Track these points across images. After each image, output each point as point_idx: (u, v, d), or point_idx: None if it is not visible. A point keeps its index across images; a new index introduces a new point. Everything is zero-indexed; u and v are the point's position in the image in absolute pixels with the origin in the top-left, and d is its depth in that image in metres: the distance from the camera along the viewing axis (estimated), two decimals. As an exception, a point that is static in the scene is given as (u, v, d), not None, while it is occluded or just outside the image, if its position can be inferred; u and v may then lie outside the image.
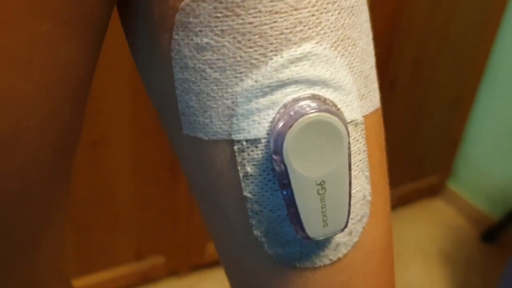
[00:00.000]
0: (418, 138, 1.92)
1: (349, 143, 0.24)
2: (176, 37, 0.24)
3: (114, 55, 1.01)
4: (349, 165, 0.25)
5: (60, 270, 0.40)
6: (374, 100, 0.27)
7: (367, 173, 0.27)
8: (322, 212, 0.25)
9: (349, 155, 0.24)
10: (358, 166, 0.27)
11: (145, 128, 1.32)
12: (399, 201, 2.04)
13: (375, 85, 0.28)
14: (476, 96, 1.93)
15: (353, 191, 0.27)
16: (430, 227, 2.01)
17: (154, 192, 1.46)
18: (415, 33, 1.63)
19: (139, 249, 1.56)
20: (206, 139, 0.26)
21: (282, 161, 0.23)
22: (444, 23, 1.66)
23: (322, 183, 0.24)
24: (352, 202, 0.27)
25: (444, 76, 1.80)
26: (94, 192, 1.39)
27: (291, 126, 0.23)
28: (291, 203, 0.24)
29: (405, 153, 1.92)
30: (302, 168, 0.23)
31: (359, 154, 0.27)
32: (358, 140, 0.26)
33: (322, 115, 0.23)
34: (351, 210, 0.27)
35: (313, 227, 0.25)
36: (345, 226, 0.26)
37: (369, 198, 0.28)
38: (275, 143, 0.24)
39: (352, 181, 0.26)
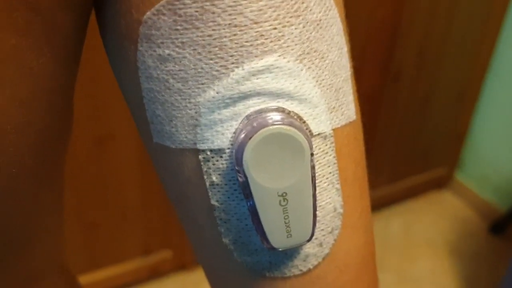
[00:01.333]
0: (424, 130, 1.91)
1: (312, 155, 0.24)
2: (141, 48, 0.25)
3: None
4: (313, 177, 0.25)
5: (60, 265, 0.41)
6: (347, 113, 0.28)
7: (338, 186, 0.28)
8: (286, 223, 0.25)
9: (313, 167, 0.25)
10: (327, 178, 0.27)
11: (149, 124, 1.32)
12: (406, 194, 2.03)
13: (350, 98, 0.28)
14: (482, 87, 1.91)
15: (322, 203, 0.27)
16: (438, 219, 2.00)
17: (160, 187, 1.46)
18: (419, 25, 1.62)
19: (146, 244, 1.58)
20: (173, 147, 0.26)
21: (243, 172, 0.24)
22: (448, 15, 1.65)
23: (284, 194, 0.24)
24: (321, 213, 0.27)
25: (449, 68, 1.79)
26: (101, 189, 1.40)
27: (251, 137, 0.23)
28: (254, 213, 0.25)
29: (411, 145, 1.91)
30: (262, 179, 0.24)
31: (329, 166, 0.27)
32: (327, 152, 0.27)
33: (283, 128, 0.23)
34: (321, 222, 0.27)
35: (277, 238, 0.25)
36: (311, 237, 0.26)
37: (340, 210, 0.28)
38: (237, 154, 0.24)
39: (322, 193, 0.27)
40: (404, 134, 1.86)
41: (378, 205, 1.96)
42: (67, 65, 0.27)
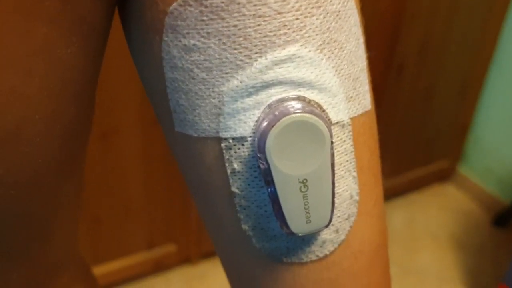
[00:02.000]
0: (427, 123, 1.91)
1: (332, 143, 0.25)
2: (166, 38, 0.25)
3: (123, 48, 1.02)
4: (332, 165, 0.25)
5: (76, 256, 0.42)
6: (363, 103, 0.28)
7: (355, 174, 0.28)
8: (305, 209, 0.26)
9: (332, 155, 0.25)
10: (344, 166, 0.28)
11: (154, 119, 1.33)
12: (409, 186, 2.04)
13: (366, 88, 0.28)
14: (485, 79, 1.92)
15: (339, 190, 0.28)
16: (441, 212, 2.01)
17: (164, 180, 1.47)
18: (422, 17, 1.62)
19: (151, 237, 1.58)
20: (196, 136, 0.27)
21: (265, 159, 0.24)
22: (451, 7, 1.65)
23: (305, 181, 0.25)
24: (338, 201, 0.28)
25: (452, 60, 1.79)
26: (105, 183, 1.40)
27: (274, 125, 0.24)
28: (275, 199, 0.25)
29: (414, 137, 1.91)
30: (284, 166, 0.24)
31: (346, 154, 0.27)
32: (345, 141, 0.27)
33: (305, 116, 0.24)
34: (338, 209, 0.28)
35: (296, 223, 0.26)
36: (329, 223, 0.27)
37: (356, 198, 0.29)
38: (259, 142, 0.25)
39: (339, 180, 0.27)
40: (407, 126, 1.87)
41: (381, 197, 1.96)
42: (94, 57, 0.27)
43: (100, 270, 1.53)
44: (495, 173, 1.97)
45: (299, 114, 0.24)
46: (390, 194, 1.99)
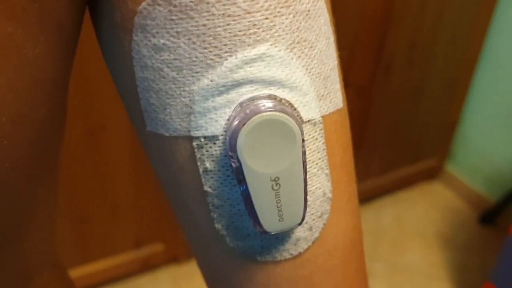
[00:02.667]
0: (415, 121, 1.92)
1: (303, 141, 0.25)
2: (136, 38, 0.25)
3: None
4: (304, 162, 0.25)
5: (52, 259, 0.41)
6: (335, 101, 0.28)
7: (327, 171, 0.28)
8: (278, 207, 0.26)
9: (304, 153, 0.25)
10: (317, 164, 0.28)
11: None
12: (397, 184, 2.05)
13: (337, 86, 0.28)
14: (473, 78, 1.93)
15: (312, 188, 0.28)
16: (429, 210, 2.02)
17: (152, 179, 1.47)
18: (410, 16, 1.62)
19: (138, 236, 1.58)
20: (167, 135, 0.27)
21: (237, 158, 0.24)
22: (439, 5, 1.66)
23: (277, 179, 0.25)
24: (311, 198, 0.28)
25: (440, 59, 1.80)
26: (92, 181, 1.40)
27: (244, 123, 0.24)
28: (247, 198, 0.25)
29: (402, 136, 1.92)
30: (256, 164, 0.24)
31: (318, 152, 0.28)
32: (316, 139, 0.27)
33: (275, 114, 0.24)
34: (311, 206, 0.28)
35: (269, 221, 0.26)
36: (302, 221, 0.27)
37: (329, 195, 0.29)
38: (230, 140, 0.25)
39: (312, 178, 0.28)
40: (395, 125, 1.87)
41: (370, 196, 1.97)
42: (63, 56, 0.27)
43: (87, 269, 1.52)
44: (482, 172, 1.99)
45: (269, 113, 0.24)
46: (379, 192, 2.00)
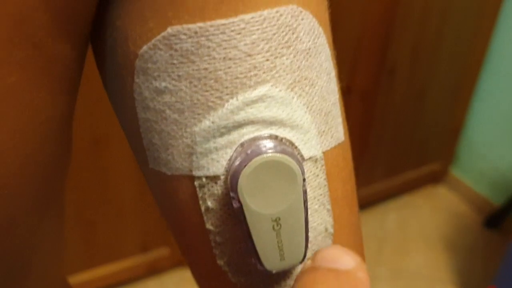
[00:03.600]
0: (420, 125, 1.91)
1: (304, 180, 0.25)
2: (137, 80, 0.25)
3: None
4: (305, 201, 0.26)
5: (60, 284, 0.42)
6: (336, 135, 0.28)
7: (329, 207, 0.28)
8: (279, 246, 0.26)
9: (305, 192, 0.25)
10: (318, 200, 0.28)
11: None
12: (402, 188, 2.04)
13: (339, 120, 0.29)
14: (477, 81, 1.92)
15: (314, 224, 0.28)
16: (433, 214, 2.01)
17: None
18: (413, 20, 1.62)
19: (144, 241, 1.58)
20: (169, 174, 0.27)
21: (238, 198, 0.25)
22: (443, 8, 1.65)
23: (278, 219, 0.25)
24: (313, 234, 0.28)
25: (444, 62, 1.79)
26: (98, 188, 1.40)
27: (246, 165, 0.24)
28: (248, 237, 0.26)
29: (406, 140, 1.91)
30: (256, 205, 0.25)
31: (320, 188, 0.28)
32: (318, 175, 0.28)
33: (276, 155, 0.24)
34: (312, 242, 0.28)
35: (270, 261, 0.26)
36: (303, 259, 0.27)
37: (331, 230, 0.29)
38: (232, 181, 0.25)
39: (313, 214, 0.28)
40: (399, 128, 1.87)
41: (374, 200, 1.96)
42: (67, 95, 0.27)
43: (93, 274, 1.53)
44: (487, 175, 1.98)
45: (270, 154, 0.24)
46: (383, 196, 1.99)
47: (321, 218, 0.28)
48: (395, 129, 1.86)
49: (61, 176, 0.32)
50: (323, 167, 0.28)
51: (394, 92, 1.75)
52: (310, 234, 0.28)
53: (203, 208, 0.27)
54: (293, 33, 0.25)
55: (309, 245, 0.28)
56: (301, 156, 0.27)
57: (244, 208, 0.25)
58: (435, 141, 2.00)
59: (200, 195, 0.27)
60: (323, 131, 0.27)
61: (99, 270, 1.54)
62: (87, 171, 1.34)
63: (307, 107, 0.26)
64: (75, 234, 1.44)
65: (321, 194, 0.28)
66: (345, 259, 0.24)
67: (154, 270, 1.64)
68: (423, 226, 1.96)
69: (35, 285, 0.36)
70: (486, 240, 1.91)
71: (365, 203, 1.94)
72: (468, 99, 1.95)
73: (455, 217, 1.99)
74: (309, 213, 0.28)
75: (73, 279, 1.48)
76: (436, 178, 2.12)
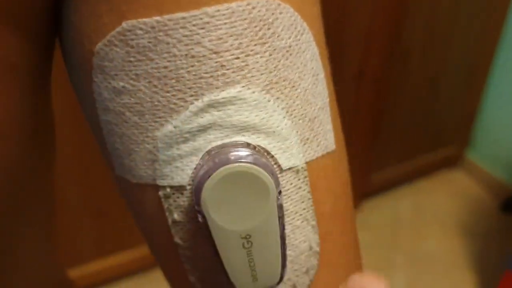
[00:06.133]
0: (434, 109, 1.89)
1: (280, 193, 0.23)
2: (96, 80, 0.23)
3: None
4: (281, 218, 0.23)
5: (54, 280, 0.40)
6: (324, 143, 0.26)
7: (314, 222, 0.26)
8: (250, 266, 0.24)
9: (280, 206, 0.23)
10: (301, 215, 0.25)
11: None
12: (416, 173, 2.02)
13: (328, 127, 0.26)
14: (492, 65, 1.89)
15: (295, 242, 0.25)
16: (449, 198, 1.99)
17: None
18: (426, 4, 1.59)
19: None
20: (134, 182, 0.25)
21: (202, 212, 0.22)
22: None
23: (248, 236, 0.23)
24: (295, 253, 0.25)
25: (458, 45, 1.76)
26: (108, 177, 1.40)
27: (210, 175, 0.22)
28: (217, 254, 0.23)
29: (421, 124, 1.89)
30: (222, 220, 0.22)
31: (302, 202, 0.25)
32: (300, 187, 0.25)
33: (245, 166, 0.22)
34: (295, 262, 0.26)
35: (241, 281, 0.24)
36: (280, 280, 0.25)
37: (317, 249, 0.26)
38: (196, 193, 0.22)
39: (294, 231, 0.25)
40: (414, 113, 1.85)
41: (388, 185, 1.95)
42: (21, 96, 0.25)
43: (103, 263, 1.53)
44: (503, 159, 1.95)
45: (238, 164, 0.22)
46: (397, 181, 1.98)
47: (304, 235, 0.26)
48: (409, 114, 1.83)
49: (35, 176, 0.30)
50: (306, 178, 0.25)
51: (408, 76, 1.73)
52: (291, 252, 0.25)
53: (170, 221, 0.25)
54: (268, 28, 0.22)
55: (290, 264, 0.25)
56: (279, 166, 0.24)
57: (209, 223, 0.22)
58: (449, 125, 1.98)
59: (165, 206, 0.24)
60: (307, 139, 0.25)
61: (109, 259, 1.55)
62: (97, 161, 1.33)
63: (287, 112, 0.24)
64: (85, 224, 1.44)
65: (304, 209, 0.25)
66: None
67: (165, 259, 1.64)
68: (439, 211, 1.94)
69: (23, 280, 0.34)
70: (502, 224, 1.89)
71: (379, 189, 1.93)
72: (483, 82, 1.92)
73: (470, 201, 1.97)
74: (289, 229, 0.25)
75: (83, 269, 1.49)
76: (451, 162, 2.09)
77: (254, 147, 0.23)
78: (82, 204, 1.40)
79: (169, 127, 0.23)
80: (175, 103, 0.22)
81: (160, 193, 0.24)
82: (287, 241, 0.25)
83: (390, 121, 1.81)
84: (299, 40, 0.23)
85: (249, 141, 0.23)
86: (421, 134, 1.93)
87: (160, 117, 0.23)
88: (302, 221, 0.25)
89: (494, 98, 1.95)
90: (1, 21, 0.22)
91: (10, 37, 0.23)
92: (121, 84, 0.23)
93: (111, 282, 1.57)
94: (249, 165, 0.22)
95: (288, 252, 0.25)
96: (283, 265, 0.24)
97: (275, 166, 0.24)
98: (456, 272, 1.72)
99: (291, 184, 0.24)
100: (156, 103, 0.22)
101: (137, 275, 1.62)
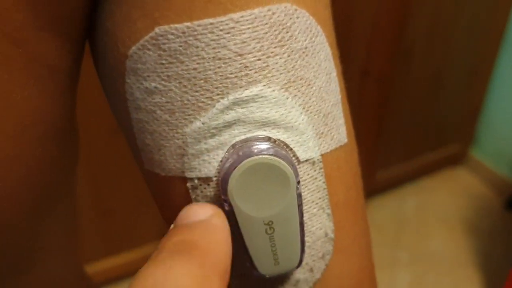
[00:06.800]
0: (437, 107, 1.89)
1: (298, 183, 0.25)
2: (128, 81, 0.25)
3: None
4: (299, 205, 0.25)
5: (75, 278, 0.42)
6: (337, 137, 0.27)
7: (329, 211, 0.28)
8: (273, 250, 0.25)
9: (299, 195, 0.25)
10: (317, 203, 0.27)
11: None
12: (420, 171, 2.03)
13: (340, 121, 0.28)
14: (495, 61, 1.89)
15: (312, 229, 0.27)
16: (453, 196, 2.00)
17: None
18: (429, 4, 1.60)
19: (161, 229, 1.59)
20: (163, 175, 0.27)
21: (229, 201, 0.24)
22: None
23: (270, 223, 0.25)
24: (312, 239, 0.27)
25: (461, 42, 1.77)
26: (116, 176, 1.41)
27: (236, 167, 0.24)
28: (241, 240, 0.25)
29: (424, 122, 1.90)
30: (247, 208, 0.24)
31: (319, 192, 0.27)
32: (316, 178, 0.27)
33: (267, 157, 0.23)
34: (312, 247, 0.27)
35: (264, 265, 0.26)
36: (299, 264, 0.26)
37: (331, 235, 0.28)
38: (222, 183, 0.24)
39: (312, 218, 0.27)
40: (417, 111, 1.85)
41: (392, 183, 1.96)
42: (60, 96, 0.27)
43: (111, 262, 1.55)
44: (507, 156, 1.96)
45: (261, 156, 0.23)
46: (401, 179, 1.99)
47: (320, 222, 0.27)
48: (412, 111, 1.84)
49: (66, 175, 0.32)
50: (322, 170, 0.27)
51: (411, 73, 1.73)
52: (308, 238, 0.27)
53: None
54: (287, 32, 0.24)
55: (308, 250, 0.27)
56: (297, 158, 0.26)
57: (235, 211, 0.24)
58: (453, 122, 1.98)
59: (193, 196, 0.26)
60: (322, 133, 0.27)
61: (116, 258, 1.56)
62: (105, 159, 1.35)
63: (303, 108, 0.26)
64: (92, 223, 1.45)
65: (320, 198, 0.27)
66: (199, 212, 0.24)
67: (172, 257, 1.65)
68: (443, 209, 1.95)
69: (47, 276, 0.36)
70: (506, 222, 1.89)
71: (384, 187, 1.93)
72: (486, 79, 1.93)
73: (475, 199, 1.98)
74: (307, 217, 0.27)
75: (91, 268, 1.50)
76: (455, 160, 2.10)
77: (274, 141, 0.25)
78: (89, 203, 1.41)
79: (197, 124, 0.25)
80: (203, 102, 0.24)
81: (188, 184, 0.26)
82: (305, 228, 0.27)
83: (394, 120, 1.81)
84: (314, 41, 0.25)
85: (270, 135, 0.25)
86: (425, 133, 1.94)
87: (189, 115, 0.25)
88: (318, 209, 0.27)
89: (497, 96, 1.95)
90: (45, 27, 0.24)
91: (52, 41, 0.24)
92: (153, 84, 0.24)
93: (119, 280, 1.58)
94: (270, 157, 0.24)
95: (305, 238, 0.27)
96: (302, 250, 0.26)
97: (293, 158, 0.26)
98: (461, 270, 1.73)
99: (308, 174, 0.26)
100: (185, 101, 0.24)
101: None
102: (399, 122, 1.83)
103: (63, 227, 0.36)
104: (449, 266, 1.74)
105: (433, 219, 1.91)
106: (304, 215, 0.27)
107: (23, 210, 0.28)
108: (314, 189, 0.27)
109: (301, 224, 0.26)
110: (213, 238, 0.23)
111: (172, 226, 0.24)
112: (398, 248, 1.78)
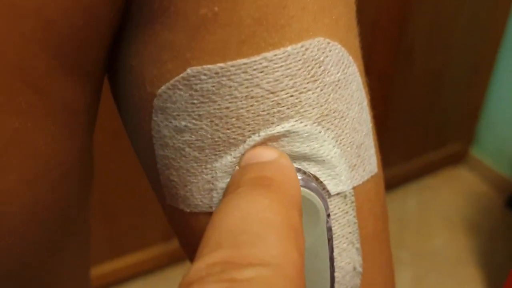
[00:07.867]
0: (438, 106, 1.89)
1: (328, 216, 0.24)
2: (155, 119, 0.25)
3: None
4: (329, 240, 0.25)
5: None
6: (369, 168, 0.27)
7: (358, 245, 0.27)
8: None
9: (329, 229, 0.25)
10: (347, 238, 0.27)
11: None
12: (421, 170, 2.02)
13: (372, 151, 0.27)
14: (496, 60, 1.89)
15: (342, 264, 0.27)
16: (454, 195, 1.99)
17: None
18: (430, 3, 1.60)
19: (166, 230, 1.59)
20: (188, 211, 0.26)
21: None
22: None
23: None
24: (340, 274, 0.27)
25: (462, 41, 1.77)
26: (120, 178, 1.41)
27: None
28: None
29: (425, 121, 1.90)
30: None
31: (349, 226, 0.26)
32: (347, 212, 0.26)
33: None
34: (340, 282, 0.27)
35: None
36: None
37: (359, 269, 0.27)
38: None
39: (341, 253, 0.26)
40: (418, 109, 1.85)
41: (394, 183, 1.95)
42: (78, 137, 0.27)
43: (116, 264, 1.55)
44: (507, 155, 1.95)
45: None
46: (403, 179, 1.98)
47: (349, 257, 0.27)
48: (413, 110, 1.84)
49: (83, 204, 0.32)
50: (353, 203, 0.26)
51: (412, 72, 1.73)
52: (337, 274, 0.27)
53: None
54: (319, 67, 0.24)
55: (337, 285, 0.27)
56: (327, 191, 0.25)
57: None
58: (454, 121, 1.98)
59: None
60: (355, 165, 0.26)
61: (121, 260, 1.56)
62: (109, 162, 1.35)
63: (336, 141, 0.25)
64: (97, 225, 1.45)
65: (350, 232, 0.27)
66: (267, 153, 0.24)
67: (177, 258, 1.65)
68: (444, 208, 1.95)
69: None
70: (508, 220, 1.89)
71: (385, 187, 1.92)
72: (487, 78, 1.92)
73: (476, 198, 1.98)
74: (336, 252, 0.26)
75: (96, 270, 1.50)
76: (456, 159, 2.10)
77: (305, 172, 0.25)
78: (94, 205, 1.41)
79: (228, 158, 0.24)
80: (234, 138, 0.24)
81: None
82: (334, 264, 0.26)
83: (395, 119, 1.81)
84: (346, 73, 0.25)
85: (301, 167, 0.25)
86: (426, 132, 1.94)
87: (219, 151, 0.24)
88: (348, 244, 0.27)
89: (498, 95, 1.95)
90: (69, 72, 0.23)
91: (75, 85, 0.24)
92: (183, 123, 0.24)
93: (124, 282, 1.59)
94: (302, 188, 0.24)
95: (335, 274, 0.27)
96: (332, 286, 0.26)
97: (324, 191, 0.25)
98: (463, 269, 1.72)
99: (339, 208, 0.26)
100: (216, 139, 0.24)
101: (151, 274, 1.63)
102: (400, 121, 1.83)
103: (78, 258, 0.36)
104: (451, 265, 1.74)
105: (435, 218, 1.90)
106: (334, 250, 0.26)
107: (40, 252, 0.28)
108: (344, 224, 0.26)
109: (331, 259, 0.25)
110: (286, 175, 0.23)
111: (236, 167, 0.24)
112: (400, 247, 1.77)
